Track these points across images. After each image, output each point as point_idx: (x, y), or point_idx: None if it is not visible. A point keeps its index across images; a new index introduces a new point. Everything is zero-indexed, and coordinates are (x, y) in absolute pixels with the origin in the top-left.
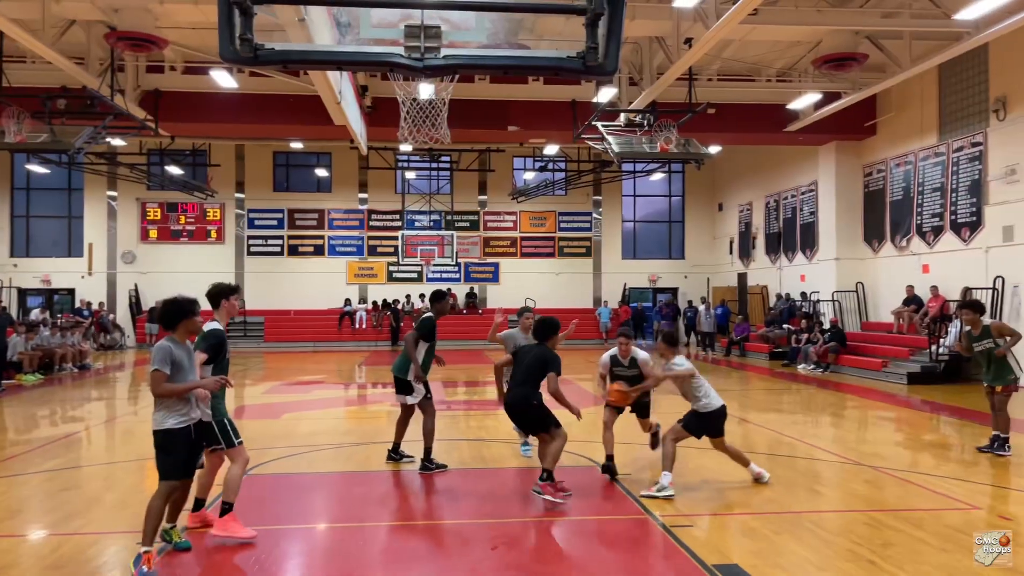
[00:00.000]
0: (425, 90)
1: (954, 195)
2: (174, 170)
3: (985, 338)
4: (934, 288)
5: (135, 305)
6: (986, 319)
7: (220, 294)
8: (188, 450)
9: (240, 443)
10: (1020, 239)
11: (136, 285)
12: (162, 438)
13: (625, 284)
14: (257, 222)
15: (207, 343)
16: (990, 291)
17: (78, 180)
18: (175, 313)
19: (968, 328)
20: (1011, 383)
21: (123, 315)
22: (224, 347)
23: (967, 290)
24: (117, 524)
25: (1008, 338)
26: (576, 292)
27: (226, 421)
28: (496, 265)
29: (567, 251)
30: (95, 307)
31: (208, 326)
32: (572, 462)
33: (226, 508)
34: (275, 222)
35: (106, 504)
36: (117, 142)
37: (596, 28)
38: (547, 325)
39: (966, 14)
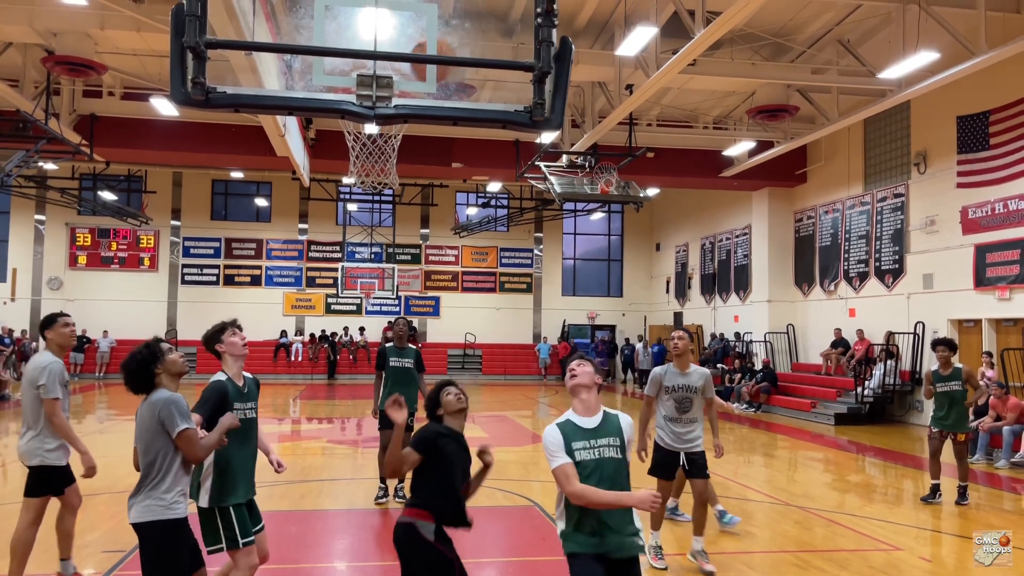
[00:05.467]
0: (373, 127)
1: (878, 243)
2: (107, 195)
3: (954, 379)
4: (860, 331)
5: None
6: (956, 362)
7: (215, 336)
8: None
9: (249, 543)
10: (939, 287)
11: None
12: (164, 532)
13: (565, 320)
14: (193, 250)
15: (204, 401)
16: (911, 336)
17: (4, 203)
18: (140, 365)
19: (936, 368)
20: (970, 430)
21: None
22: (226, 402)
23: (890, 334)
24: (33, 566)
25: (971, 389)
26: (516, 327)
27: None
28: (437, 299)
29: (508, 286)
30: (17, 335)
31: (215, 377)
32: (510, 502)
33: None
34: (211, 251)
35: None
36: (49, 166)
37: (543, 85)
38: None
39: (889, 73)
